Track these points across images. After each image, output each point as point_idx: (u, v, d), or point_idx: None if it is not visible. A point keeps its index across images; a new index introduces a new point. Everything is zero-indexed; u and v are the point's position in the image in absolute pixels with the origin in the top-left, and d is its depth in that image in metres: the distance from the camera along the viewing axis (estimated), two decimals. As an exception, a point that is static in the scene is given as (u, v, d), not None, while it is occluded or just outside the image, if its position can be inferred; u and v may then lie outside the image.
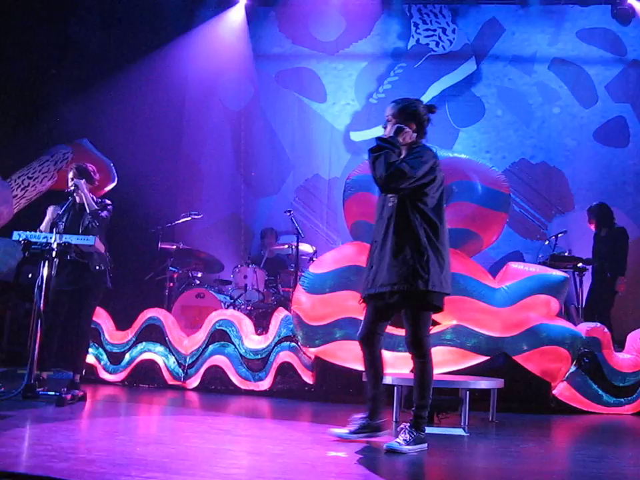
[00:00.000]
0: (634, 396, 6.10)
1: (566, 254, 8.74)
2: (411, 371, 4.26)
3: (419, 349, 4.13)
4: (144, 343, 6.87)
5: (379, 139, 4.14)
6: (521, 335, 5.97)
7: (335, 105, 10.71)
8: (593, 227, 8.54)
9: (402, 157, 4.13)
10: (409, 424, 4.07)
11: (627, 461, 4.01)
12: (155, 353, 6.83)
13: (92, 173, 6.02)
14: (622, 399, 6.08)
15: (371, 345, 4.30)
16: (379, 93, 10.58)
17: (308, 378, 6.40)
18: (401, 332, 4.53)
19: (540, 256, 8.88)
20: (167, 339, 6.84)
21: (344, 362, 6.15)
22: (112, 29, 8.97)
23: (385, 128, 4.27)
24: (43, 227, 5.75)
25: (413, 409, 4.13)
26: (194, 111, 10.54)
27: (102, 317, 7.03)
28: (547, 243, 9.10)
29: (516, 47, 10.48)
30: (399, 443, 3.95)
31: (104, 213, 5.81)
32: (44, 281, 5.30)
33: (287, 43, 10.84)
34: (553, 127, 10.33)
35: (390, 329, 5.95)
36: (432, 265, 4.01)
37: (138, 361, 6.84)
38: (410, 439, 3.97)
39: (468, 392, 5.06)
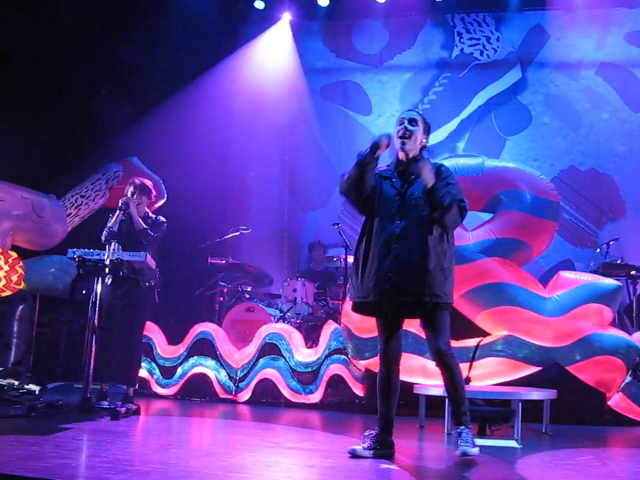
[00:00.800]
0: (692, 406, 5.96)
1: (618, 261, 8.59)
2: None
3: (446, 352, 4.14)
4: (195, 357, 6.96)
5: (441, 198, 4.08)
6: (574, 345, 5.89)
7: (381, 117, 10.72)
8: None
9: (418, 170, 4.16)
10: (462, 426, 4.05)
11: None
12: (206, 367, 6.90)
13: (150, 189, 6.14)
14: (680, 410, 5.95)
15: (395, 362, 4.29)
16: (424, 103, 10.57)
17: (358, 390, 6.40)
18: (454, 344, 4.50)
19: (591, 264, 8.73)
20: (217, 352, 6.91)
21: (394, 374, 6.13)
22: (160, 49, 9.14)
23: (405, 126, 4.31)
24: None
25: (460, 410, 4.12)
26: (241, 126, 10.64)
27: (154, 332, 7.14)
28: (598, 250, 8.96)
29: (561, 53, 10.36)
30: (468, 446, 3.94)
31: (154, 232, 5.91)
32: (97, 297, 5.41)
33: (331, 56, 10.91)
34: (601, 133, 10.18)
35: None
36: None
37: (190, 374, 6.92)
38: (472, 441, 3.99)
39: (520, 403, 5.01)
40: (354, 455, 4.05)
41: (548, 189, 6.41)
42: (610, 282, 6.20)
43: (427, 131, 4.38)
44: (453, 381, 4.14)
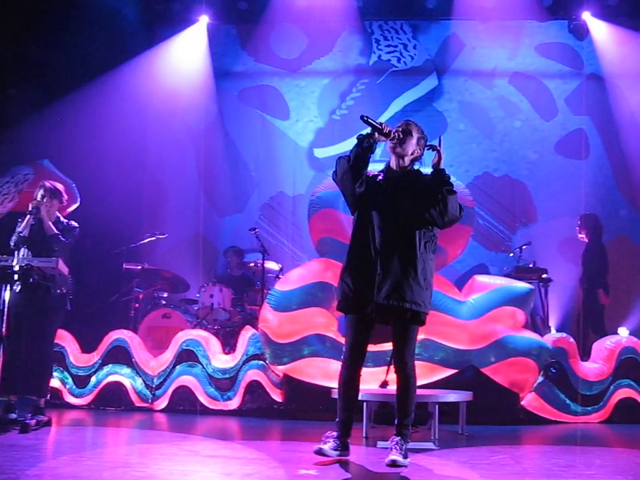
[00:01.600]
0: (600, 404, 6.17)
1: (530, 265, 8.83)
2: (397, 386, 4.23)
3: (410, 364, 4.17)
4: (110, 365, 6.78)
5: (448, 178, 4.22)
6: (488, 347, 6.01)
7: (298, 122, 10.72)
8: (582, 236, 8.64)
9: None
10: (399, 438, 4.07)
11: (595, 468, 4.04)
12: (121, 375, 6.73)
13: (61, 192, 5.94)
14: (589, 408, 6.14)
15: (359, 367, 4.26)
16: (341, 109, 10.63)
17: (277, 396, 6.36)
18: (371, 347, 4.51)
19: (505, 268, 8.96)
20: (133, 360, 6.75)
21: (312, 379, 6.13)
22: (72, 47, 8.88)
23: (399, 132, 4.31)
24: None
25: (403, 422, 4.14)
26: (157, 129, 10.45)
27: (66, 340, 6.92)
28: (511, 255, 9.19)
29: (476, 62, 10.60)
30: (399, 457, 3.95)
31: (66, 237, 5.72)
32: (5, 305, 5.19)
33: (249, 61, 10.84)
34: (514, 140, 10.45)
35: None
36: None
37: (104, 383, 6.73)
38: (405, 452, 4.02)
39: (437, 405, 5.07)
40: (320, 453, 4.05)
41: (463, 195, 6.49)
42: (523, 285, 6.36)
43: (422, 144, 4.39)
44: (408, 392, 4.18)
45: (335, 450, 4.10)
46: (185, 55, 10.46)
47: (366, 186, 4.24)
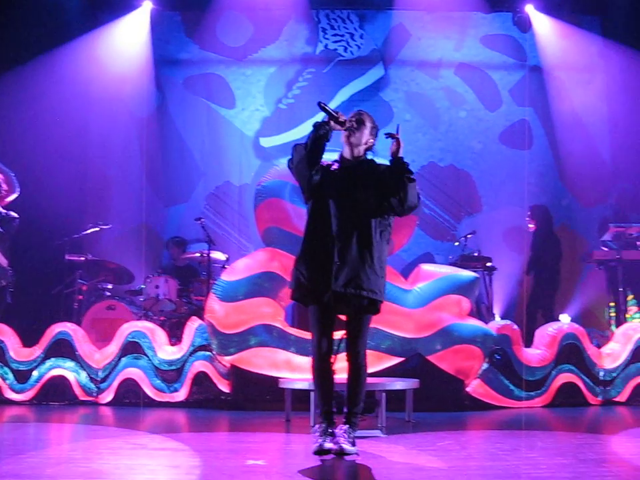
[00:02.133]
0: (543, 389, 6.30)
1: (475, 254, 8.96)
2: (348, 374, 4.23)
3: (362, 354, 4.18)
4: (53, 359, 6.63)
5: (407, 166, 4.22)
6: (434, 335, 6.07)
7: (244, 110, 10.63)
8: (531, 226, 8.78)
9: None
10: (347, 426, 4.08)
11: (537, 450, 4.12)
12: (64, 369, 6.60)
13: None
14: (532, 393, 6.26)
15: (329, 357, 4.21)
16: (288, 98, 10.58)
17: (224, 387, 6.32)
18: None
19: (450, 257, 9.07)
20: (77, 353, 6.63)
21: (260, 369, 6.11)
22: (9, 27, 8.63)
23: (352, 121, 4.29)
24: None
25: (352, 410, 4.15)
26: (100, 117, 10.25)
27: (6, 334, 6.74)
28: (456, 244, 9.30)
29: (422, 52, 10.65)
30: (347, 445, 3.96)
31: (4, 228, 5.58)
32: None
33: (195, 48, 10.70)
34: (459, 131, 10.56)
35: (304, 334, 5.95)
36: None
37: (47, 377, 6.59)
38: (353, 440, 4.03)
39: (384, 393, 5.11)
40: (323, 451, 3.94)
41: (409, 184, 6.54)
42: (468, 274, 6.43)
43: (375, 133, 4.39)
44: (359, 381, 4.19)
45: (330, 443, 4.06)
46: (128, 41, 10.26)
47: (321, 175, 4.22)
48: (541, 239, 8.62)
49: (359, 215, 4.15)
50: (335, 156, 4.43)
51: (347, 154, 4.33)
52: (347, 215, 4.14)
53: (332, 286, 4.05)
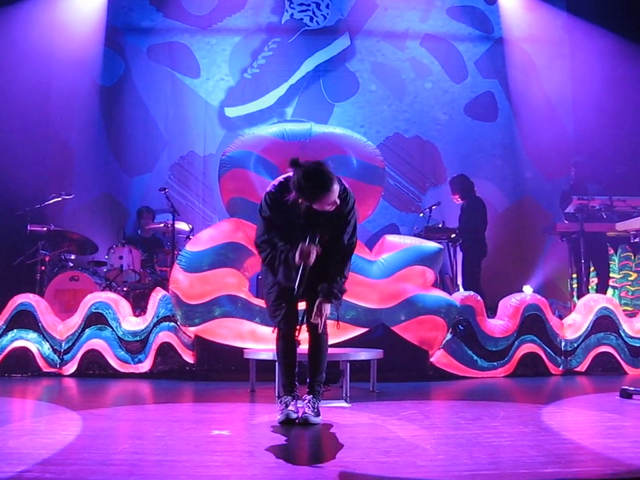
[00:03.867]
0: (505, 359, 6.38)
1: (440, 225, 9.01)
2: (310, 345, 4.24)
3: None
4: (15, 331, 6.56)
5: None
6: (399, 306, 6.11)
7: (209, 80, 10.53)
8: (455, 199, 8.82)
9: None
10: (311, 396, 4.12)
11: (499, 420, 4.18)
12: (27, 340, 6.53)
13: None
14: (495, 363, 6.35)
15: (293, 329, 4.22)
16: (253, 68, 10.49)
17: (189, 357, 6.32)
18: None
19: (415, 228, 9.12)
20: (40, 324, 6.56)
21: (224, 340, 6.12)
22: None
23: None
24: None
25: (315, 380, 4.19)
26: (62, 86, 10.06)
27: (-33, 306, 6.66)
28: (421, 215, 9.35)
29: (389, 23, 10.63)
30: (311, 414, 4.01)
31: None
32: None
33: (158, 16, 10.54)
34: (425, 102, 10.58)
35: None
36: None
37: (9, 349, 6.52)
38: (317, 410, 4.08)
39: (348, 364, 5.13)
40: (289, 420, 3.98)
41: (374, 155, 6.53)
42: (432, 245, 6.47)
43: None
44: (320, 351, 4.22)
45: (296, 412, 4.08)
46: (89, 5, 10.08)
47: (280, 210, 4.08)
48: (469, 207, 8.66)
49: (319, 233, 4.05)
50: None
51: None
52: (307, 231, 4.02)
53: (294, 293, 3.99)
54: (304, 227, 4.02)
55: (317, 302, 4.07)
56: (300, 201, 3.98)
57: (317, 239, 3.97)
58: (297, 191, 3.91)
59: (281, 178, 4.16)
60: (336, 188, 3.89)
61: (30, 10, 9.51)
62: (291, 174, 4.01)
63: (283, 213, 4.07)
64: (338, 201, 3.94)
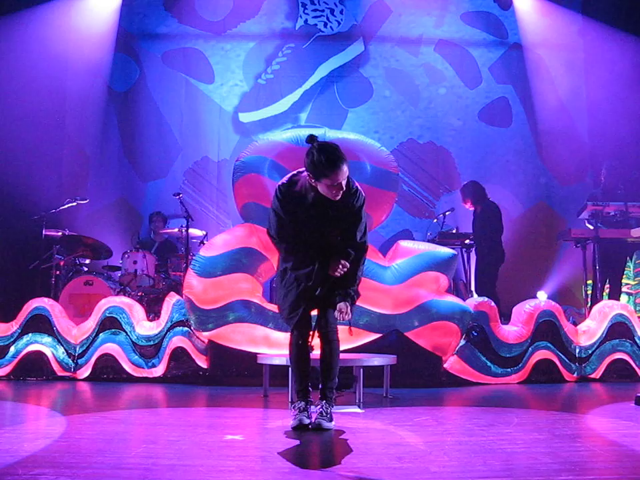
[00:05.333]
0: (519, 365, 6.35)
1: (453, 231, 8.99)
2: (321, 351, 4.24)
3: (334, 328, 4.20)
4: (30, 335, 6.60)
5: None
6: (412, 312, 6.10)
7: (223, 85, 10.57)
8: (468, 206, 8.76)
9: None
10: (324, 402, 4.11)
11: (513, 426, 4.16)
12: (42, 344, 6.57)
13: None
14: (509, 369, 6.32)
15: (307, 335, 4.23)
16: (267, 73, 10.52)
17: (202, 362, 6.33)
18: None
19: (429, 234, 9.10)
20: (54, 329, 6.60)
21: (238, 345, 6.12)
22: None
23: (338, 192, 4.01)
24: None
25: (328, 386, 4.18)
26: (77, 91, 10.14)
27: (-17, 309, 6.71)
28: (435, 220, 9.33)
29: (403, 29, 10.63)
30: (325, 420, 4.01)
31: None
32: None
33: (173, 22, 10.61)
34: (439, 107, 10.57)
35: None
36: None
37: (24, 353, 6.56)
38: (330, 416, 4.07)
39: (362, 369, 5.12)
40: (302, 426, 3.99)
41: (388, 161, 6.52)
42: (446, 250, 6.45)
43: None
44: (332, 357, 4.20)
45: (310, 418, 4.08)
46: (104, 11, 10.15)
47: (295, 206, 4.10)
48: (484, 213, 8.60)
49: (329, 242, 4.13)
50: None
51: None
52: (319, 230, 4.11)
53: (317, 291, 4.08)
54: (314, 219, 4.06)
55: (337, 302, 4.10)
56: (311, 185, 4.02)
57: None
58: (308, 166, 3.96)
59: (293, 172, 4.21)
60: (345, 170, 3.93)
61: (45, 16, 9.59)
62: (302, 169, 4.06)
63: (293, 206, 4.10)
64: (344, 186, 3.97)
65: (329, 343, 4.19)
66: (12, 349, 6.58)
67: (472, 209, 8.76)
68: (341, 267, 4.03)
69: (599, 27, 10.01)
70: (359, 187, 4.19)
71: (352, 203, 4.09)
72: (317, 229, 4.10)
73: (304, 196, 4.09)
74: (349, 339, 5.88)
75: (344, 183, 3.97)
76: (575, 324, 7.16)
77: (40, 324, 6.61)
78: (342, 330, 4.32)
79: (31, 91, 9.16)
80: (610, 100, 9.69)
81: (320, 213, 4.07)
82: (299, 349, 4.23)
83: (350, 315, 4.15)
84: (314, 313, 4.25)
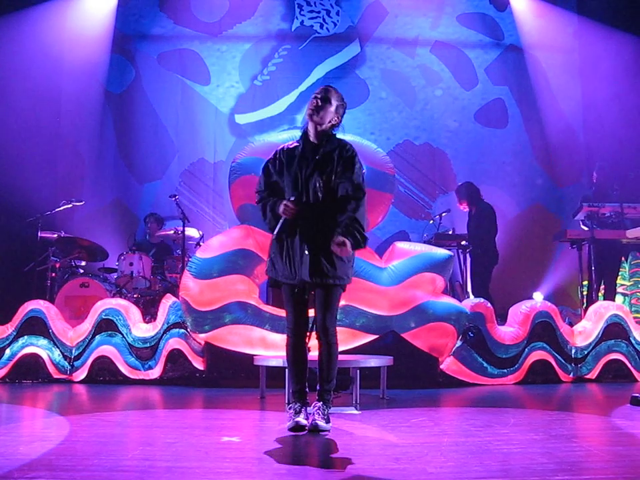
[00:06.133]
0: (516, 366, 6.36)
1: (450, 232, 8.99)
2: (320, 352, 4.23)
3: (332, 330, 4.19)
4: (26, 337, 6.59)
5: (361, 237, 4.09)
6: (409, 313, 6.10)
7: (219, 87, 10.57)
8: (463, 207, 8.78)
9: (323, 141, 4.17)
10: (321, 403, 4.10)
11: (509, 427, 4.17)
12: (38, 347, 6.56)
13: None
14: (505, 370, 6.32)
15: (304, 335, 4.23)
16: (263, 75, 10.52)
17: (199, 364, 6.32)
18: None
19: (425, 235, 9.10)
20: (50, 331, 6.59)
21: (234, 346, 6.11)
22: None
23: (317, 101, 4.18)
24: None
25: (325, 387, 4.17)
26: (72, 92, 10.12)
27: (-22, 312, 6.69)
28: (431, 222, 9.34)
29: (399, 30, 10.64)
30: (322, 421, 4.00)
31: None
32: None
33: (169, 23, 10.60)
34: (435, 109, 10.58)
35: (278, 312, 5.96)
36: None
37: (20, 355, 6.55)
38: (327, 417, 4.07)
39: (358, 370, 5.13)
40: (299, 427, 3.97)
41: (384, 162, 6.53)
42: (442, 252, 6.45)
43: (342, 111, 4.27)
44: (330, 358, 4.19)
45: (306, 419, 4.08)
46: (99, 12, 10.15)
47: (283, 164, 4.20)
48: (479, 214, 8.61)
49: (320, 200, 4.12)
50: (297, 133, 4.40)
51: (311, 132, 4.23)
52: (309, 195, 4.11)
53: (299, 275, 4.06)
54: (302, 168, 4.14)
55: (336, 236, 4.01)
56: (301, 137, 4.24)
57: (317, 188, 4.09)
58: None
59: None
60: (331, 91, 4.26)
61: (40, 17, 9.58)
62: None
63: (284, 159, 4.22)
64: (322, 108, 4.16)
65: (328, 345, 4.19)
66: (7, 352, 6.57)
67: (467, 210, 8.77)
68: (342, 245, 4.00)
69: (595, 27, 10.02)
70: (352, 145, 4.30)
71: (340, 152, 4.18)
72: (305, 178, 4.12)
73: (292, 150, 4.25)
74: (345, 340, 5.90)
75: (326, 109, 4.17)
76: (571, 325, 7.17)
77: (35, 326, 6.60)
78: (341, 332, 4.32)
79: (27, 92, 9.15)
80: (605, 100, 9.71)
81: (307, 160, 4.16)
82: (295, 349, 4.23)
83: (350, 252, 4.05)
84: (311, 313, 4.25)
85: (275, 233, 4.10)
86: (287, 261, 4.13)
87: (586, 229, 8.12)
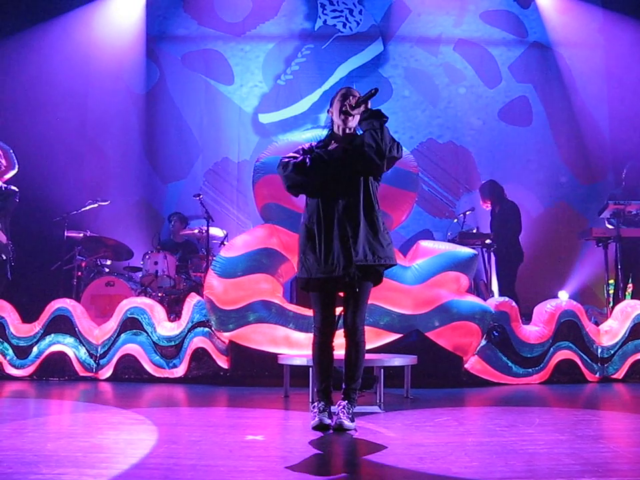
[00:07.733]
0: (541, 365, 6.31)
1: (474, 231, 8.95)
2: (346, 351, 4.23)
3: (361, 330, 4.19)
4: (52, 335, 6.66)
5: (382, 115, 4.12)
6: (433, 312, 6.08)
7: (243, 87, 10.61)
8: (486, 206, 8.75)
9: None
10: (346, 402, 4.11)
11: (534, 427, 4.14)
12: (64, 345, 6.63)
13: None
14: (530, 369, 6.28)
15: (331, 334, 4.23)
16: (286, 74, 10.55)
17: (223, 363, 6.35)
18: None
19: (449, 233, 9.07)
20: (76, 329, 6.65)
21: (258, 345, 6.13)
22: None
23: (350, 103, 4.21)
24: None
25: (351, 386, 4.17)
26: (97, 94, 10.22)
27: (6, 310, 6.77)
28: (455, 220, 9.30)
29: (422, 28, 10.61)
30: (346, 420, 4.00)
31: (5, 202, 5.58)
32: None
33: (193, 24, 10.66)
34: (459, 107, 10.54)
35: (302, 310, 5.98)
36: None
37: (47, 353, 6.62)
38: (352, 416, 4.07)
39: (382, 369, 5.12)
40: (323, 426, 3.97)
41: (407, 161, 6.51)
42: (466, 250, 6.42)
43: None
44: (358, 357, 4.19)
45: (330, 419, 4.09)
46: (124, 15, 10.23)
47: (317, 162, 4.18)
48: (503, 213, 8.57)
49: (359, 187, 4.12)
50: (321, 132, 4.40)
51: (338, 131, 4.27)
52: (343, 186, 4.12)
53: (353, 259, 4.01)
54: (336, 160, 4.15)
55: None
56: (329, 135, 4.30)
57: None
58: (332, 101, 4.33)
59: None
60: (354, 91, 4.30)
61: (68, 20, 9.67)
62: None
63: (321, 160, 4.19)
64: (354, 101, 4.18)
65: (356, 344, 4.19)
66: (35, 350, 6.64)
67: (490, 209, 8.74)
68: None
69: (620, 21, 9.92)
70: None
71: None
72: (340, 173, 4.12)
73: (324, 147, 4.27)
74: (370, 339, 5.89)
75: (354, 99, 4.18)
76: (597, 324, 7.11)
77: (62, 325, 6.67)
78: (368, 330, 4.32)
79: (54, 94, 9.26)
80: (632, 97, 9.61)
81: (340, 152, 4.18)
82: (321, 348, 4.23)
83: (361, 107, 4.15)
84: (338, 311, 4.25)
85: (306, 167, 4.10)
86: (322, 251, 4.08)
87: (611, 227, 8.04)
